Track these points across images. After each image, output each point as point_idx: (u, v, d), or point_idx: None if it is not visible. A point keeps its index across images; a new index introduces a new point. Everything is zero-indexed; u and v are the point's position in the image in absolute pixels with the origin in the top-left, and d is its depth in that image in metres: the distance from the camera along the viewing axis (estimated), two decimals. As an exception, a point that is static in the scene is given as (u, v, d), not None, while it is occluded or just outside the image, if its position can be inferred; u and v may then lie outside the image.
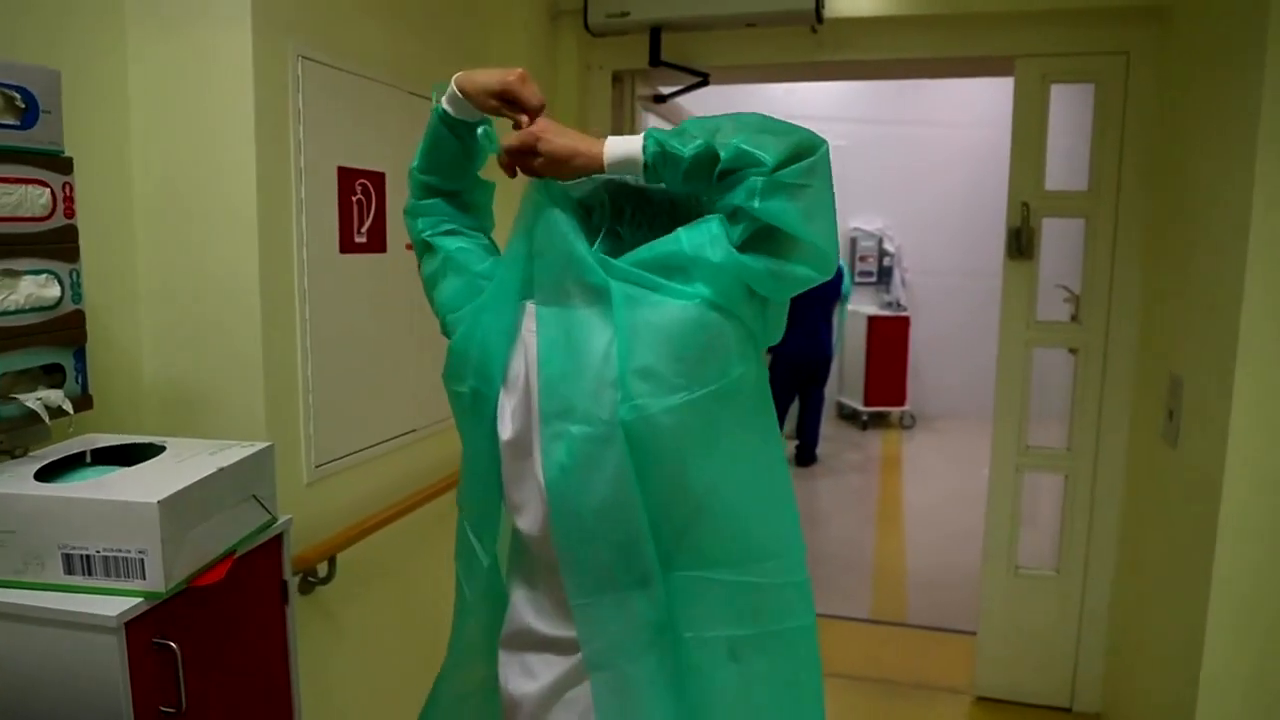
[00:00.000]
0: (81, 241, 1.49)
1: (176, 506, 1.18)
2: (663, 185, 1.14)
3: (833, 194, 1.11)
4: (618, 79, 3.06)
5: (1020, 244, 2.77)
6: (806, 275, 1.12)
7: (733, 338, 1.12)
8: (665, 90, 3.28)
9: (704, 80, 2.98)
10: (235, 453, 1.35)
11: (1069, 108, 2.91)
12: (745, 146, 1.06)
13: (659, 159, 1.10)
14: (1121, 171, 2.67)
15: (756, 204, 1.05)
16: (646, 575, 1.14)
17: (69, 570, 1.18)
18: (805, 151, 1.07)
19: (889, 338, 6.88)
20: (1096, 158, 2.71)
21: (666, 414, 1.09)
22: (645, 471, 1.11)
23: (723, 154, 1.06)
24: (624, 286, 1.10)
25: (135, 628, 1.16)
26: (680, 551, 1.15)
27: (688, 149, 1.08)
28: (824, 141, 1.09)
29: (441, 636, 1.43)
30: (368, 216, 2.07)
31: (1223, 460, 1.93)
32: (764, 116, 1.12)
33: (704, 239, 1.09)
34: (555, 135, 1.14)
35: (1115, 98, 2.65)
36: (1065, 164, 2.88)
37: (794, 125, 1.10)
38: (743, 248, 1.08)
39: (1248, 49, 1.90)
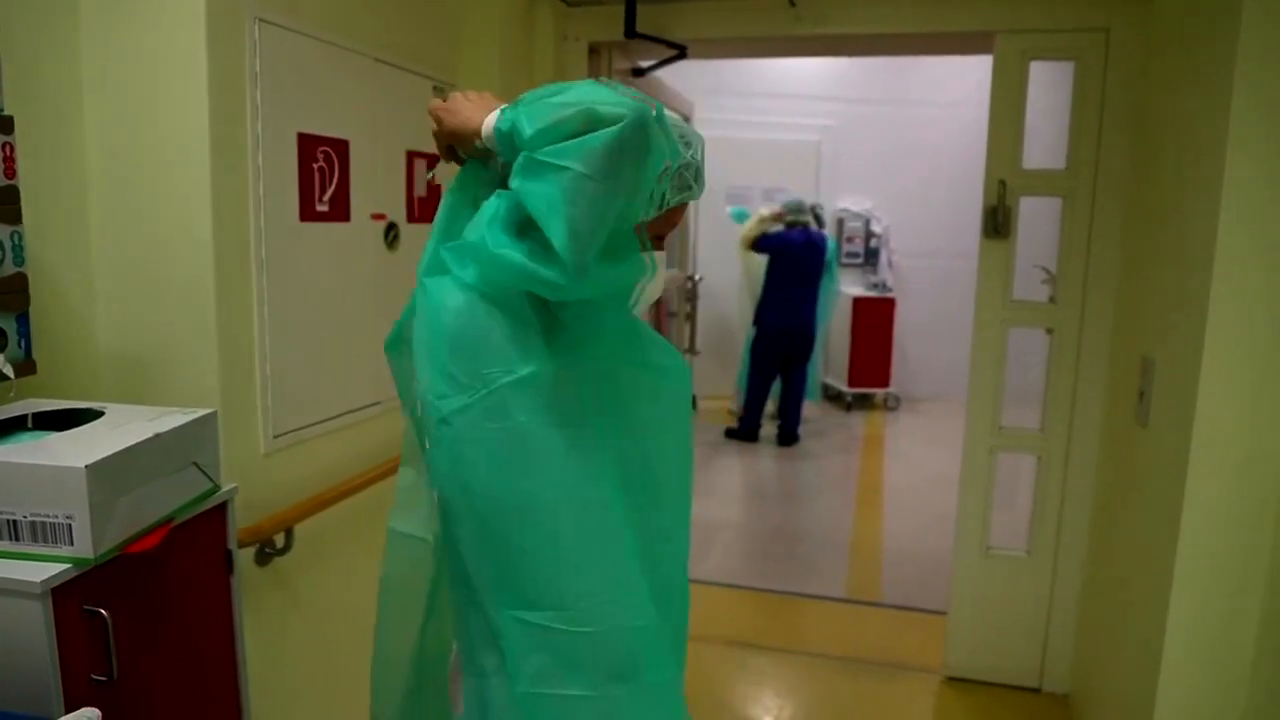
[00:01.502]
0: (32, 204, 1.46)
1: (106, 472, 1.16)
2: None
3: (617, 193, 0.94)
4: (594, 50, 3.02)
5: (997, 223, 2.75)
6: (543, 278, 0.95)
7: (507, 331, 1.00)
8: (644, 63, 3.23)
9: (681, 53, 2.94)
10: (174, 419, 1.33)
11: (1051, 85, 2.89)
12: (515, 116, 0.95)
13: (492, 137, 1.02)
14: (1100, 151, 2.65)
15: (516, 182, 0.94)
16: (469, 600, 1.09)
17: (-4, 535, 1.16)
18: (583, 128, 0.90)
19: (874, 319, 6.86)
20: (1075, 136, 2.68)
21: (459, 415, 1.00)
22: (458, 481, 1.04)
23: (501, 126, 0.98)
24: (424, 273, 1.06)
25: (63, 594, 1.13)
26: (499, 585, 1.05)
27: (502, 123, 0.99)
28: (631, 127, 0.90)
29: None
30: (330, 185, 2.03)
31: (1189, 441, 1.92)
32: (608, 87, 1.00)
33: (480, 217, 1.01)
34: (449, 112, 1.09)
35: (1095, 75, 2.62)
36: (1044, 143, 2.85)
37: (622, 99, 0.95)
38: (518, 233, 0.98)
39: (1222, 28, 1.88)
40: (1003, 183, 2.72)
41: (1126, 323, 2.58)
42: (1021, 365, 2.98)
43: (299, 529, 1.92)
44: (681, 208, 1.20)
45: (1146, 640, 2.09)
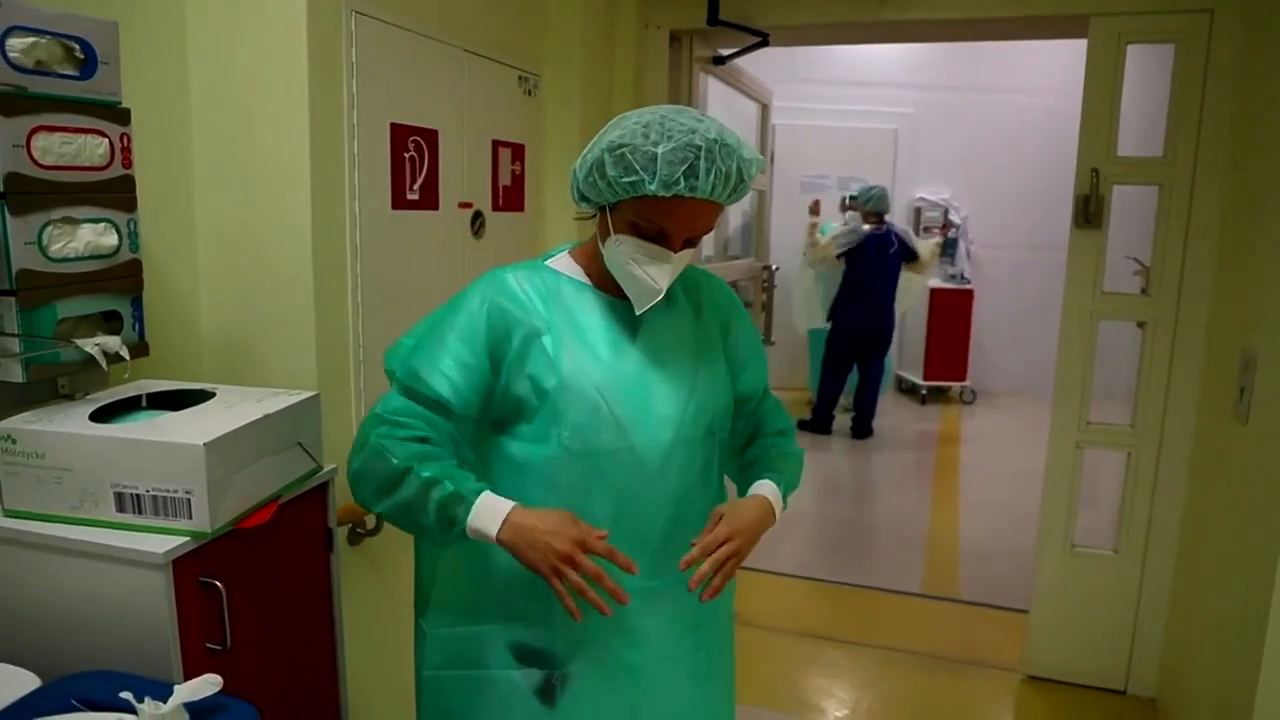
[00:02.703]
0: (140, 192, 1.52)
1: (222, 449, 1.21)
2: None
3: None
4: (675, 39, 3.01)
5: (1088, 212, 2.67)
6: None
7: None
8: (725, 51, 3.22)
9: (763, 41, 2.92)
10: (281, 400, 1.38)
11: (1146, 69, 2.79)
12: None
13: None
14: (1200, 138, 2.55)
15: None
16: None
17: (120, 508, 1.22)
18: None
19: (951, 311, 6.71)
20: (1174, 123, 2.58)
21: None
22: None
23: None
24: None
25: (182, 565, 1.19)
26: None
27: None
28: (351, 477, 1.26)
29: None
30: (420, 174, 2.08)
31: (1295, 439, 1.84)
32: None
33: None
34: None
35: (1196, 59, 2.52)
36: (1140, 129, 2.75)
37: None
38: None
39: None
40: (1095, 171, 2.64)
41: (1225, 316, 2.48)
42: (1108, 359, 2.89)
43: (389, 510, 1.97)
44: (685, 204, 1.18)
45: (1244, 645, 2.02)
